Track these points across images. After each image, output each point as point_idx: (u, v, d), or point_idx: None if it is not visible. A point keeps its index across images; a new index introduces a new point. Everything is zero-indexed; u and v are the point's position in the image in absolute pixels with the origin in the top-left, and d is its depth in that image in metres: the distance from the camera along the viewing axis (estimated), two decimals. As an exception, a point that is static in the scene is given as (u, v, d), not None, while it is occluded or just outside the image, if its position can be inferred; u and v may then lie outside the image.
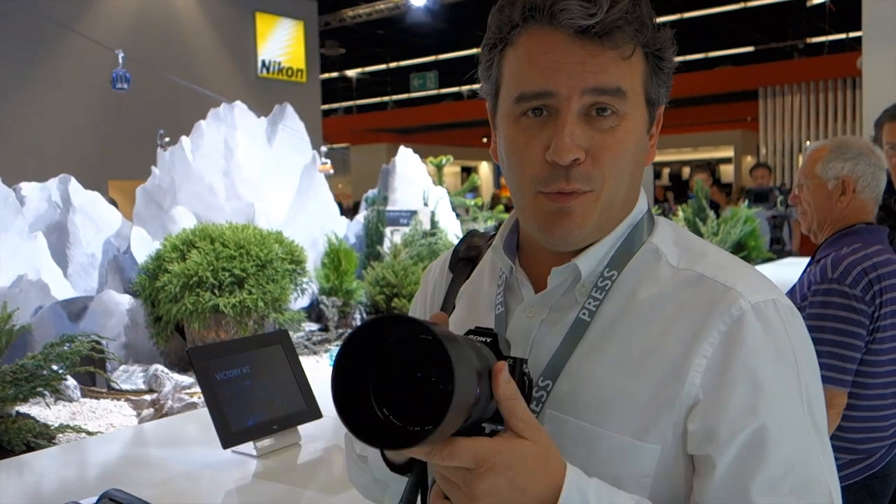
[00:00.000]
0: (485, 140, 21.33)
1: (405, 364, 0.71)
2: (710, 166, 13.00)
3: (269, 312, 3.44)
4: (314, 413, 1.85)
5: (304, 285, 3.66)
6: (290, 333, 3.53)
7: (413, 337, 0.70)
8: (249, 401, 1.74)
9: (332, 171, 4.76)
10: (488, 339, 0.81)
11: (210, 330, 3.44)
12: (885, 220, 2.72)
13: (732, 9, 14.15)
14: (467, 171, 19.70)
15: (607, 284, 0.91)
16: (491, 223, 5.27)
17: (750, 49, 16.72)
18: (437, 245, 4.44)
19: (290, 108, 4.33)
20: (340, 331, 4.03)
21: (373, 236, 4.46)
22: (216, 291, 3.34)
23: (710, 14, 14.49)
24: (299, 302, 3.93)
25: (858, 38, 6.97)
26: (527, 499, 0.75)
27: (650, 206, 0.96)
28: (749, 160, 16.87)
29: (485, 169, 20.33)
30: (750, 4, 13.88)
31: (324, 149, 4.89)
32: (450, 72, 16.88)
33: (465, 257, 1.08)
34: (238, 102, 4.14)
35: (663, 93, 0.92)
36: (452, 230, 4.85)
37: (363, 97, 20.50)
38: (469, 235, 1.10)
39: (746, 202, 6.20)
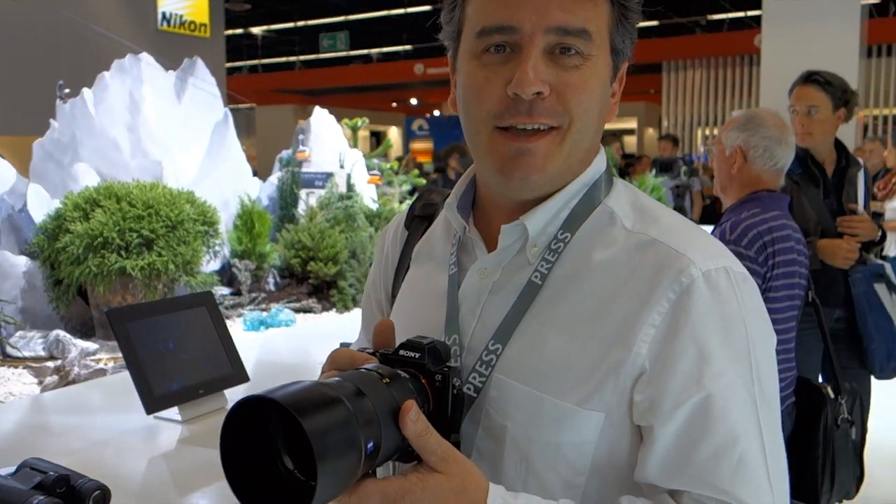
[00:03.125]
0: (394, 105, 21.17)
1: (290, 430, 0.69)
2: (617, 137, 13.30)
3: (181, 275, 3.32)
4: (241, 377, 1.80)
5: (217, 248, 3.54)
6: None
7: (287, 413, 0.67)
8: (173, 364, 1.67)
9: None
10: (416, 356, 0.80)
11: (116, 294, 3.28)
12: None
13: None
14: (376, 136, 19.50)
15: (560, 247, 0.88)
16: (406, 187, 5.22)
17: (654, 23, 17.13)
18: (353, 209, 4.37)
19: (200, 63, 4.14)
20: (253, 294, 3.93)
21: (287, 198, 4.35)
22: (123, 253, 3.19)
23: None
24: (210, 265, 3.80)
25: (757, 17, 7.22)
26: None
27: (608, 166, 0.94)
28: (651, 132, 17.36)
29: (394, 133, 20.18)
30: (656, -21, 14.17)
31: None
32: (361, 33, 16.58)
33: (421, 215, 1.05)
34: (144, 54, 3.93)
35: (628, 46, 0.90)
36: (368, 193, 4.78)
37: (268, 56, 19.91)
38: (426, 192, 1.08)
39: (653, 171, 6.39)
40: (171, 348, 1.68)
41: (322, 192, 4.39)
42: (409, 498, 0.72)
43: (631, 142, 17.55)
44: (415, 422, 0.73)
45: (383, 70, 18.40)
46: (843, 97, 2.91)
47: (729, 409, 0.81)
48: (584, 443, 0.83)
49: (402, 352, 0.81)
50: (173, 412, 1.66)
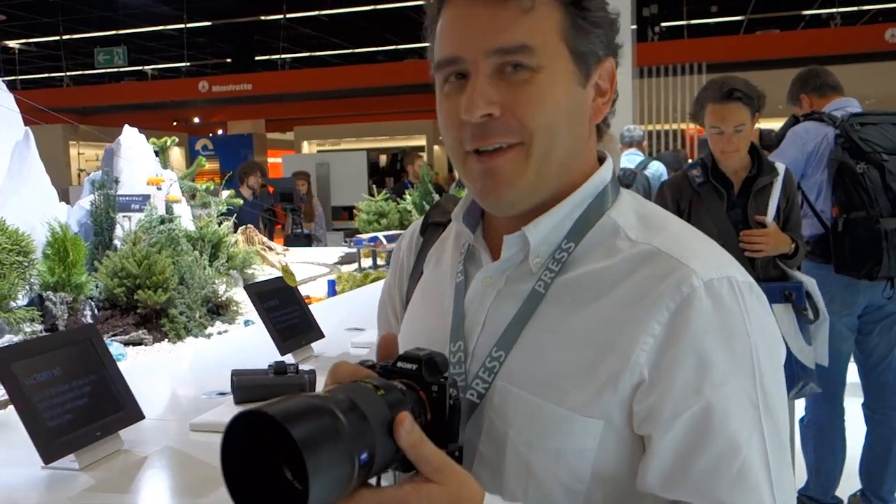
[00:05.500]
0: (175, 123, 20.17)
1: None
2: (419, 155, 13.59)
3: (-5, 312, 2.96)
4: (136, 414, 1.65)
5: (33, 279, 3.21)
6: (10, 336, 3.09)
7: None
8: (66, 407, 1.50)
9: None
10: (414, 367, 0.81)
11: (-87, 337, 2.87)
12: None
13: (421, 3, 14.92)
14: (157, 155, 18.42)
15: (564, 256, 0.91)
16: (223, 208, 5.02)
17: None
18: (175, 232, 4.13)
19: (-4, 77, 3.73)
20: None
21: (102, 223, 4.02)
22: (-76, 291, 2.79)
23: (400, 7, 15.16)
24: (21, 300, 3.42)
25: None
26: None
27: (615, 176, 0.97)
28: (438, 149, 17.94)
29: (177, 154, 19.20)
30: None
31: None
32: (136, 49, 15.65)
33: (436, 222, 1.07)
34: (-70, 66, 3.48)
35: (598, 44, 0.90)
36: (185, 215, 4.56)
37: (29, 72, 18.23)
38: (443, 200, 1.10)
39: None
40: (62, 389, 1.51)
41: (141, 215, 4.11)
42: None
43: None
44: (409, 433, 0.74)
45: (163, 87, 17.51)
46: (757, 105, 2.81)
47: (729, 419, 0.81)
48: (584, 450, 0.85)
49: (399, 364, 0.83)
50: (69, 460, 1.50)
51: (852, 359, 3.44)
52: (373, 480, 0.75)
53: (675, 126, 13.78)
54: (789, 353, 2.74)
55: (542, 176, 0.89)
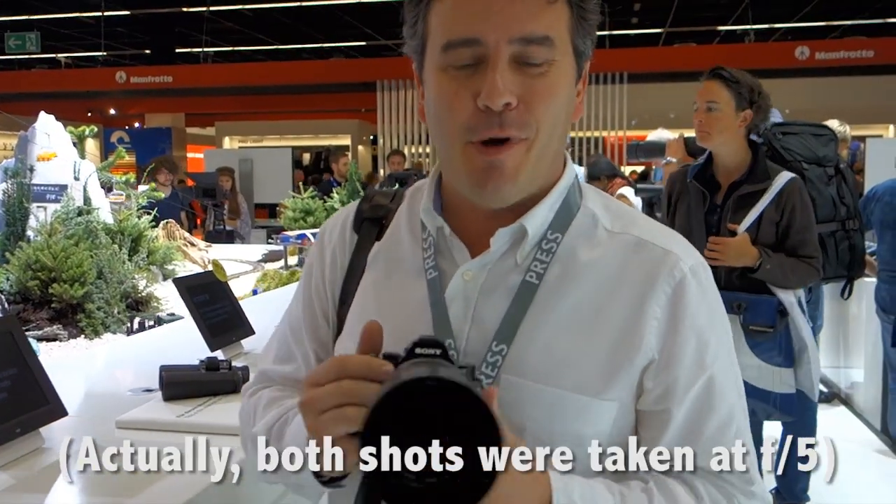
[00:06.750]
0: (89, 114, 19.41)
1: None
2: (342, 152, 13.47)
3: None
4: (58, 411, 1.57)
5: (-60, 271, 3.02)
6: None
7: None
8: (-16, 402, 1.42)
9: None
10: (438, 353, 0.78)
11: None
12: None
13: (347, 2, 14.81)
14: (74, 145, 17.69)
15: (553, 247, 0.92)
16: (143, 202, 4.85)
17: (363, 43, 17.69)
18: (93, 224, 3.97)
19: None
20: (-21, 325, 3.39)
21: (15, 213, 3.83)
22: None
23: (326, 5, 15.02)
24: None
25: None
26: None
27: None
28: (362, 149, 17.83)
29: (91, 146, 18.48)
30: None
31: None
32: (49, 36, 15.00)
33: (371, 217, 1.02)
34: None
35: (589, 46, 0.93)
36: (105, 208, 4.39)
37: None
38: (371, 194, 1.05)
39: (396, 185, 6.59)
40: (-21, 383, 1.42)
41: (57, 206, 3.93)
42: (497, 490, 0.71)
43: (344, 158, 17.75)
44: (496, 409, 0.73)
45: (78, 76, 16.84)
46: (748, 97, 2.66)
47: (725, 387, 0.92)
48: (601, 433, 0.88)
49: (418, 350, 0.78)
50: (-18, 459, 1.41)
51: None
52: None
53: (596, 133, 14.09)
54: None
55: (537, 170, 0.90)
